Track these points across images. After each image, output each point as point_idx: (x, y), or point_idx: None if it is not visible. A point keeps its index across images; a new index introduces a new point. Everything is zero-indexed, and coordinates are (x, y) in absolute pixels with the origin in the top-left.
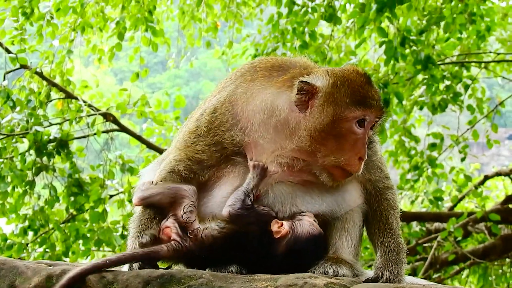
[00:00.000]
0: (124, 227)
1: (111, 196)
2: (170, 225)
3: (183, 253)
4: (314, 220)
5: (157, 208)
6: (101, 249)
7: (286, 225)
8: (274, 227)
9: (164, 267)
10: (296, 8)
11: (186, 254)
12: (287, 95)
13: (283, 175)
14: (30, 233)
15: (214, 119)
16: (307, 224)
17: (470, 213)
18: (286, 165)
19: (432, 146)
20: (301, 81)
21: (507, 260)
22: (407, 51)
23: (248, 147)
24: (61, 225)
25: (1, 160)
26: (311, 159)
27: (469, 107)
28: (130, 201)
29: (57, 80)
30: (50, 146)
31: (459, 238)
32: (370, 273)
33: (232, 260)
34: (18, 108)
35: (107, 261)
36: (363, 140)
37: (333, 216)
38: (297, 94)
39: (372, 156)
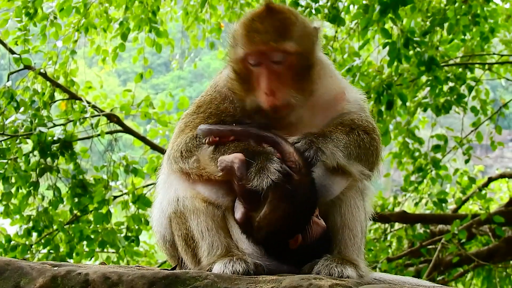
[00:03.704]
0: (128, 229)
1: (115, 197)
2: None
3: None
4: (317, 216)
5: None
6: (105, 250)
7: (300, 236)
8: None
9: (169, 269)
10: (299, 9)
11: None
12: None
13: None
14: (34, 234)
15: (205, 97)
16: (315, 227)
17: (474, 215)
18: None
19: (436, 148)
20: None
21: None
22: (411, 52)
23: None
24: (65, 226)
25: (5, 161)
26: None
27: (473, 109)
28: (134, 202)
29: (61, 80)
30: (54, 147)
31: (463, 240)
32: (374, 274)
33: None
34: (22, 109)
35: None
36: (263, 76)
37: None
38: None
39: None
